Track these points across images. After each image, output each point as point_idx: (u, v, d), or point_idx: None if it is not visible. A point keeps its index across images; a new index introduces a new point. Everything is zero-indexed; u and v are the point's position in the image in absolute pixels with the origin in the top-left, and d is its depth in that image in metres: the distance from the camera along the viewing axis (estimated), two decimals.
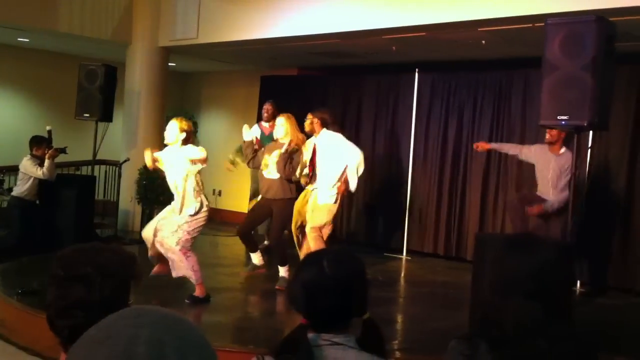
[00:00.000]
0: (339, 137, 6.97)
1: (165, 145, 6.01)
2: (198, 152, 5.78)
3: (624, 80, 7.18)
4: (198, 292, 5.93)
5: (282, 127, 6.55)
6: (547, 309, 1.82)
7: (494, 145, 7.53)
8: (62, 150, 8.20)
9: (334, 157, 6.80)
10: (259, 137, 8.54)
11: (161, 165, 5.95)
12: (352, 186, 6.90)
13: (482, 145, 7.39)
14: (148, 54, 9.98)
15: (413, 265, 8.71)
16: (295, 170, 6.48)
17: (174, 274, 5.89)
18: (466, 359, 1.87)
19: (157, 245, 5.89)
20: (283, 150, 6.47)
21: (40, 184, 8.11)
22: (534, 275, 1.85)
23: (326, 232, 6.80)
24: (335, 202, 6.77)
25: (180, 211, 5.81)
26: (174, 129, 5.83)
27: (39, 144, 8.22)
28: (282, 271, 6.60)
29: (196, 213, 5.81)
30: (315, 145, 6.86)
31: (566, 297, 4.52)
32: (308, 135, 6.91)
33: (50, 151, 8.07)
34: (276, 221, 6.61)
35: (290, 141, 6.50)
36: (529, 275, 1.85)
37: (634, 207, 7.50)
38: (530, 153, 7.03)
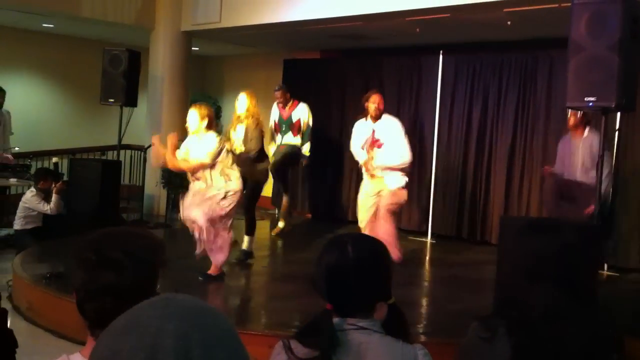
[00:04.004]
0: (397, 126, 6.78)
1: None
2: (206, 155, 5.81)
3: None
4: (213, 270, 5.97)
5: (244, 102, 7.05)
6: (572, 292, 1.81)
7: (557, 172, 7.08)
8: (68, 183, 8.18)
9: (395, 145, 6.63)
10: (277, 120, 8.60)
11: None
12: (373, 166, 6.63)
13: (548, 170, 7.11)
14: (171, 39, 10.00)
15: (438, 248, 8.69)
16: (259, 145, 6.98)
17: (198, 250, 5.94)
18: (484, 342, 1.88)
19: (195, 227, 5.90)
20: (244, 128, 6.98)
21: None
22: (559, 258, 1.84)
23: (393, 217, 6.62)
24: (405, 186, 6.69)
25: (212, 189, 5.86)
26: (195, 117, 5.88)
27: (45, 178, 7.99)
28: (246, 241, 7.17)
29: (232, 193, 5.85)
30: (373, 131, 6.71)
31: (592, 280, 4.49)
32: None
33: (58, 185, 7.87)
34: (249, 196, 7.09)
35: (248, 116, 6.97)
36: (554, 258, 1.84)
37: None
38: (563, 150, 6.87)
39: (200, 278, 5.96)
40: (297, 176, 10.38)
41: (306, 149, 8.58)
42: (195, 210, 5.84)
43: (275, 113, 8.68)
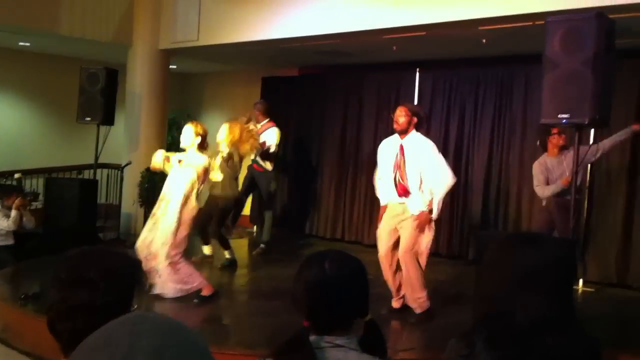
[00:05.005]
0: (430, 146, 5.81)
1: (178, 150, 6.07)
2: (186, 182, 5.78)
3: (624, 76, 7.18)
4: (205, 292, 5.96)
5: (224, 131, 7.33)
6: (555, 305, 1.82)
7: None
8: (35, 198, 8.08)
9: (425, 167, 5.72)
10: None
11: (168, 168, 5.97)
12: (434, 213, 5.75)
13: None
14: (149, 56, 9.98)
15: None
16: (238, 171, 7.47)
17: (168, 295, 5.85)
18: (463, 359, 1.87)
19: (149, 259, 5.83)
20: (225, 155, 7.23)
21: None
22: (543, 271, 1.85)
23: (425, 254, 5.79)
24: (430, 211, 5.72)
25: (166, 215, 5.82)
26: (190, 133, 5.89)
27: (9, 194, 7.88)
28: (227, 254, 7.70)
29: (186, 216, 5.81)
30: (402, 147, 5.81)
31: (571, 293, 4.52)
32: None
33: (17, 200, 7.71)
34: (219, 214, 7.47)
35: (229, 144, 7.26)
36: (538, 271, 1.85)
37: (635, 203, 7.50)
38: (542, 172, 6.84)
39: (195, 301, 5.92)
40: (281, 192, 10.36)
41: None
42: (160, 251, 5.79)
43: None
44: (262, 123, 8.60)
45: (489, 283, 1.97)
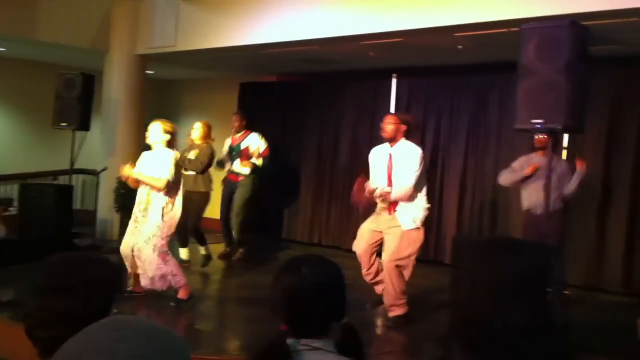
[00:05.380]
0: (418, 153, 5.84)
1: (147, 147, 6.03)
2: (165, 172, 5.78)
3: (598, 83, 7.27)
4: (182, 294, 5.93)
5: (198, 130, 7.92)
6: (531, 310, 1.84)
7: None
8: (9, 204, 7.99)
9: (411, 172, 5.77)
10: (228, 150, 8.70)
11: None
12: (377, 192, 5.85)
13: None
14: (126, 62, 9.93)
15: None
16: (200, 165, 7.70)
17: (144, 284, 5.86)
18: None
19: (136, 260, 5.87)
20: (195, 151, 7.72)
21: None
22: (520, 276, 1.87)
23: (409, 268, 5.82)
24: (420, 227, 5.81)
25: (147, 218, 5.81)
26: (158, 130, 5.87)
27: None
28: (202, 250, 7.88)
29: (163, 216, 5.80)
30: (390, 155, 5.88)
31: (546, 298, 4.57)
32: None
33: None
34: (195, 210, 7.61)
35: (200, 142, 7.80)
36: (515, 277, 1.87)
37: (609, 208, 7.61)
38: (521, 166, 6.81)
39: (172, 304, 5.90)
40: (259, 197, 10.33)
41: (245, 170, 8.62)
42: (145, 248, 5.80)
43: (228, 142, 8.77)
44: (240, 133, 8.65)
45: (466, 289, 1.98)
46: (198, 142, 7.90)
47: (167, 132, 5.91)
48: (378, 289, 6.09)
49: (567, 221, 7.40)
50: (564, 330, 5.02)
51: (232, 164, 8.68)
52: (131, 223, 6.00)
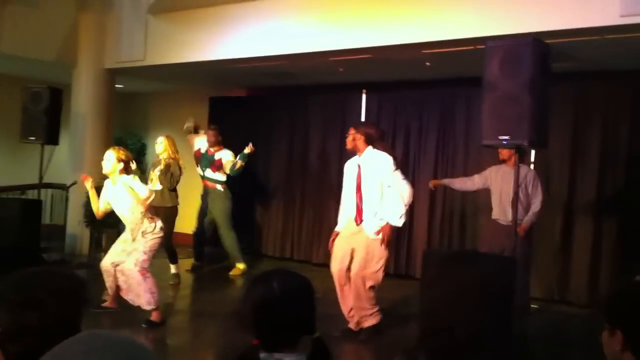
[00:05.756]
0: (386, 159, 5.86)
1: (105, 177, 6.05)
2: (143, 189, 5.83)
3: (560, 98, 7.45)
4: (154, 317, 5.92)
5: (162, 145, 7.99)
6: (491, 320, 1.90)
7: (444, 181, 7.60)
8: None
9: (378, 182, 5.82)
10: (202, 151, 8.68)
11: (105, 205, 5.99)
12: (394, 218, 5.81)
13: (434, 182, 7.59)
14: (94, 76, 9.89)
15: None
16: (174, 182, 7.88)
17: (144, 307, 5.87)
18: None
19: (119, 275, 5.87)
20: (162, 166, 7.84)
21: None
22: (478, 287, 1.93)
23: (377, 277, 5.81)
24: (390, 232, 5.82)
25: (134, 239, 5.86)
26: (111, 159, 5.87)
27: None
28: (173, 268, 8.00)
29: (150, 232, 5.83)
30: (359, 166, 5.93)
31: (509, 309, 4.65)
32: (345, 155, 6.54)
33: None
34: (165, 226, 7.09)
35: (167, 157, 7.90)
36: (472, 288, 1.93)
37: (574, 220, 7.75)
38: (485, 178, 6.96)
39: (143, 325, 5.88)
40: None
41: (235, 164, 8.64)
42: (127, 262, 5.85)
43: (203, 144, 8.75)
44: (214, 147, 8.72)
45: (430, 299, 2.04)
46: (163, 155, 7.96)
47: (120, 160, 5.89)
48: (352, 325, 5.97)
49: (533, 234, 7.54)
50: (523, 341, 5.11)
51: (202, 170, 8.77)
52: (118, 242, 6.03)
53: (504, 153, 6.75)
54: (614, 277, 7.38)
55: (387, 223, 5.76)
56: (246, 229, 10.51)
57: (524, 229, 6.48)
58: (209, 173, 8.71)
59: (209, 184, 8.72)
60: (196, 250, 8.92)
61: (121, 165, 5.87)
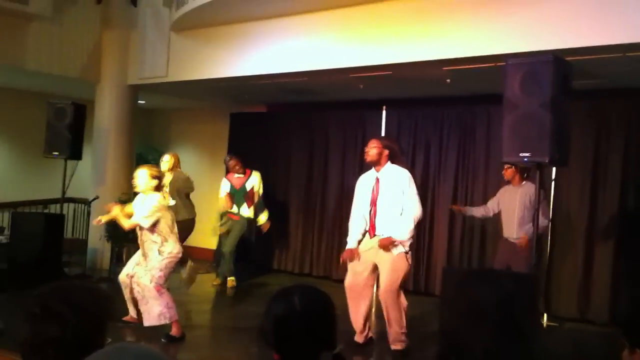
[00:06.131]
0: (407, 174, 5.92)
1: (135, 192, 6.12)
2: (144, 216, 5.87)
3: (582, 116, 7.43)
4: (174, 331, 5.96)
5: (167, 163, 8.42)
6: (510, 339, 1.90)
7: (467, 212, 7.76)
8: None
9: (399, 196, 5.83)
10: (229, 191, 8.79)
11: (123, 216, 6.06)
12: (405, 239, 5.82)
13: (456, 208, 7.84)
14: (117, 92, 10.01)
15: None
16: (192, 184, 8.47)
17: (146, 323, 5.91)
18: None
19: (134, 286, 5.93)
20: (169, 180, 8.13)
21: None
22: (496, 306, 1.93)
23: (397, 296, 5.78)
24: (408, 251, 5.82)
25: (143, 255, 5.91)
26: (145, 177, 5.92)
27: None
28: (183, 272, 7.53)
29: (167, 252, 5.87)
30: (377, 180, 5.94)
31: (529, 327, 4.63)
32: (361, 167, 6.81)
33: None
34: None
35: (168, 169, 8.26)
36: (493, 306, 1.93)
37: (595, 239, 7.69)
38: (495, 201, 7.32)
39: (163, 340, 5.91)
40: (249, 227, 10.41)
41: (263, 219, 9.00)
42: (143, 277, 5.91)
43: (226, 185, 8.87)
44: (241, 174, 8.92)
45: (449, 318, 2.04)
46: (167, 172, 8.23)
47: (154, 177, 5.97)
48: (358, 338, 6.03)
49: (552, 251, 7.52)
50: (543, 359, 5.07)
51: (238, 208, 8.86)
52: (137, 256, 6.10)
53: (508, 174, 7.06)
54: (636, 296, 7.29)
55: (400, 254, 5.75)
56: (265, 245, 10.54)
57: (525, 241, 6.64)
58: (244, 210, 8.86)
59: (234, 216, 8.84)
60: (220, 269, 8.99)
61: (155, 182, 5.94)
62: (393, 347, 5.83)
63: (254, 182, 8.82)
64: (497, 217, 7.34)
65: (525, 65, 5.02)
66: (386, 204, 5.80)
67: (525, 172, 6.97)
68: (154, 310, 5.83)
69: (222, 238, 9.02)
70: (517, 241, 6.79)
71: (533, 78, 4.93)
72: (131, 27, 9.96)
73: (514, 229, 6.92)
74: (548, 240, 7.74)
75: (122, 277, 6.13)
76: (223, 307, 8.21)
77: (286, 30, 8.09)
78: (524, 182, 6.99)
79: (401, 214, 5.78)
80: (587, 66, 6.43)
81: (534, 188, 6.58)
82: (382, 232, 5.82)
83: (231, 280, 8.93)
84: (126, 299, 6.15)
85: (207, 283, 8.87)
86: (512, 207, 6.95)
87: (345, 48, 7.57)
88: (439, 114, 9.05)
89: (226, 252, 8.86)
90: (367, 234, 5.94)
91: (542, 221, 6.57)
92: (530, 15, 6.24)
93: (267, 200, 9.84)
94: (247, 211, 8.83)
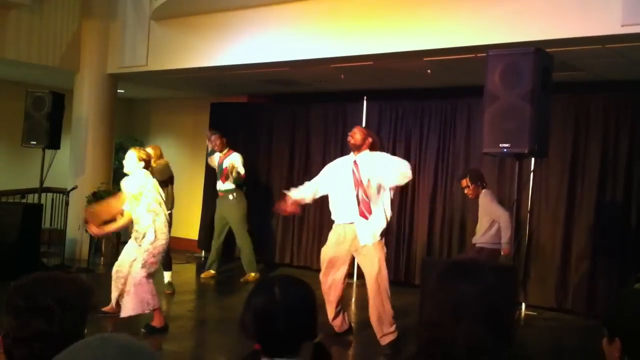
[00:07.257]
0: (383, 154, 5.93)
1: (123, 174, 6.08)
2: (134, 186, 5.84)
3: (561, 108, 7.48)
4: (156, 322, 5.91)
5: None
6: (493, 330, 1.91)
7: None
8: None
9: (380, 166, 5.68)
10: (215, 165, 8.73)
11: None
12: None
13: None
14: (96, 81, 9.93)
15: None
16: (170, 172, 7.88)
17: (122, 314, 5.84)
18: None
19: (129, 278, 5.85)
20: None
21: None
22: (479, 298, 1.94)
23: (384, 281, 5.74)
24: (382, 237, 5.77)
25: (141, 239, 5.85)
26: (133, 158, 5.89)
27: None
28: (167, 276, 7.74)
29: (154, 240, 5.82)
30: (355, 162, 5.86)
31: (509, 319, 4.68)
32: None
33: None
34: None
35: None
36: (474, 299, 1.94)
37: (573, 230, 7.76)
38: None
39: (142, 331, 5.87)
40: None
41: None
42: (135, 265, 5.84)
43: (217, 158, 8.79)
44: (223, 152, 8.74)
45: (430, 310, 2.04)
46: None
47: (142, 159, 5.94)
48: (336, 328, 6.01)
49: (530, 242, 7.59)
50: (522, 349, 5.13)
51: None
52: (130, 245, 6.02)
53: (470, 193, 7.12)
54: (613, 286, 7.38)
55: (380, 242, 5.74)
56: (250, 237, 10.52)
57: (507, 250, 6.57)
58: (219, 185, 8.73)
59: (221, 193, 8.75)
60: (213, 259, 8.90)
61: (142, 164, 5.90)
62: (384, 341, 5.76)
63: (233, 159, 8.66)
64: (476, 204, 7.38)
65: (506, 57, 5.05)
66: (370, 186, 5.66)
67: (478, 180, 7.03)
68: (135, 298, 5.78)
69: (217, 228, 8.87)
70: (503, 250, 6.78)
71: (514, 70, 4.96)
72: (111, 16, 9.87)
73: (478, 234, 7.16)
74: (527, 231, 7.80)
75: (123, 267, 5.97)
76: (207, 299, 8.19)
77: (267, 20, 8.06)
78: (481, 194, 7.06)
79: (378, 193, 5.67)
80: (567, 58, 6.48)
81: (488, 195, 6.92)
82: (370, 220, 5.70)
83: (252, 276, 8.72)
84: (113, 289, 6.04)
85: (187, 273, 8.84)
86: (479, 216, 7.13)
87: (326, 38, 7.56)
88: (420, 106, 9.07)
89: (243, 246, 8.74)
90: (349, 218, 5.80)
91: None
92: (511, 6, 6.27)
93: (248, 191, 9.83)
94: (221, 185, 8.70)
